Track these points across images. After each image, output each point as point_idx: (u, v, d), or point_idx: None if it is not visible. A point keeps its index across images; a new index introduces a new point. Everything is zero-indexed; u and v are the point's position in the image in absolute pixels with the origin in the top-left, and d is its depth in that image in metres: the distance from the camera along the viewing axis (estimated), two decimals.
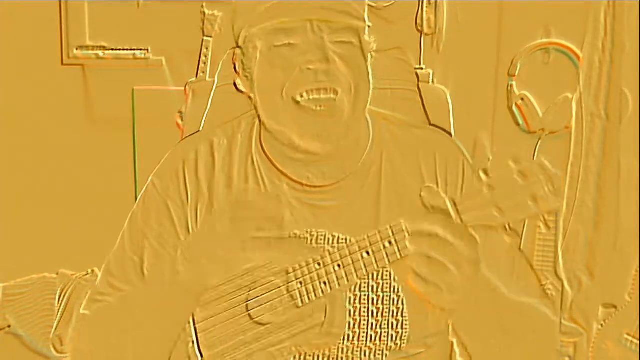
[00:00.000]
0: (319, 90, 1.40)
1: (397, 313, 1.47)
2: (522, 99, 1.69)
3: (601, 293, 1.73)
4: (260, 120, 1.48)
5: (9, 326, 1.72)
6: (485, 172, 1.35)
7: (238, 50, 1.47)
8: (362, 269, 1.40)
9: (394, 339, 1.48)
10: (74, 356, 1.55)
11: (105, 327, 1.49)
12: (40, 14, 1.66)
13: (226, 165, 1.51)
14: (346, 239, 1.47)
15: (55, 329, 1.69)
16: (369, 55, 1.46)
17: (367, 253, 1.39)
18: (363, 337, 1.47)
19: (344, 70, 1.41)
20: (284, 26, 1.40)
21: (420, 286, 1.36)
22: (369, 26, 1.47)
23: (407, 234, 1.37)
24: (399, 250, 1.38)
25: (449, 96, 1.64)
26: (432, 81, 1.68)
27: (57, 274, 1.71)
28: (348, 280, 1.40)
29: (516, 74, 1.68)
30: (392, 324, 1.47)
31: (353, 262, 1.39)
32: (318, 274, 1.41)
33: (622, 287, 1.73)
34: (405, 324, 1.48)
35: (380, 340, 1.47)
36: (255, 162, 1.50)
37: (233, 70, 1.50)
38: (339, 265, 1.40)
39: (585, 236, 1.71)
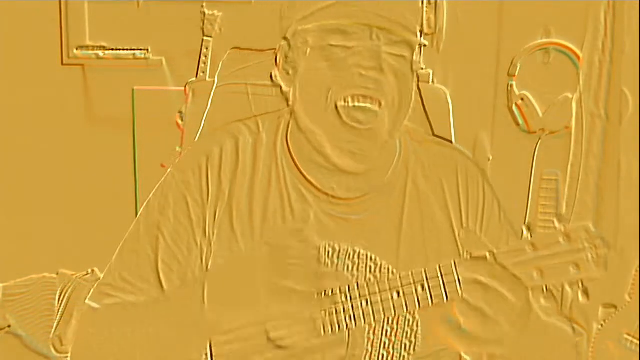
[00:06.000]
0: (365, 98, 1.36)
1: (410, 334, 1.44)
2: (522, 99, 1.69)
3: (601, 293, 1.73)
4: (291, 119, 1.44)
5: (9, 326, 1.72)
6: (529, 228, 1.32)
7: (284, 43, 1.42)
8: (390, 309, 1.34)
9: (405, 359, 1.45)
10: (76, 348, 1.50)
11: (117, 328, 1.43)
12: (40, 14, 1.66)
13: (250, 167, 1.46)
14: (367, 255, 1.44)
15: (55, 329, 1.69)
16: (415, 74, 1.44)
17: (398, 294, 1.34)
18: (375, 356, 1.43)
19: (394, 84, 1.37)
20: (343, 28, 1.37)
21: (464, 343, 1.32)
22: (425, 45, 1.45)
23: (442, 282, 1.32)
24: (430, 297, 1.33)
25: (449, 96, 1.64)
26: (432, 81, 1.68)
27: (57, 274, 1.71)
28: (374, 318, 1.35)
29: (516, 74, 1.68)
30: (405, 345, 1.44)
31: (382, 301, 1.35)
32: (344, 307, 1.35)
33: (622, 287, 1.73)
34: (418, 345, 1.44)
35: (391, 359, 1.44)
36: (280, 167, 1.46)
37: (273, 62, 1.45)
38: (366, 302, 1.35)
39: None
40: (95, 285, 1.48)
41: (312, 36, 1.38)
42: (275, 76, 1.45)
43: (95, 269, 1.69)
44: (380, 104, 1.37)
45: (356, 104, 1.37)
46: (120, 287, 1.46)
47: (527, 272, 1.31)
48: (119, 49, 1.68)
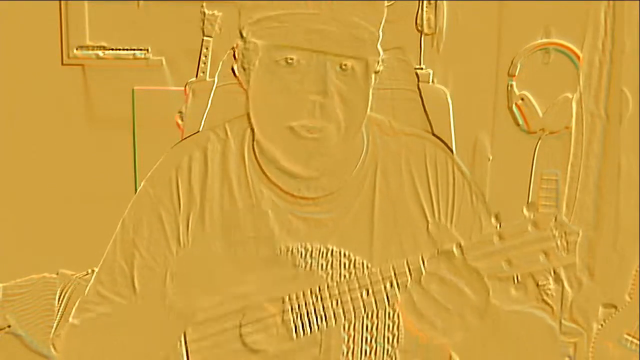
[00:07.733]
0: (312, 121, 1.36)
1: (392, 327, 1.44)
2: (522, 99, 1.69)
3: (601, 293, 1.73)
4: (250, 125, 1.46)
5: (9, 326, 1.72)
6: (497, 218, 1.31)
7: (241, 42, 1.42)
8: (360, 308, 1.34)
9: (389, 353, 1.45)
10: None
11: (94, 339, 1.44)
12: (40, 14, 1.66)
13: (218, 174, 1.47)
14: (340, 252, 1.44)
15: (55, 329, 1.70)
16: (375, 74, 1.41)
17: (367, 292, 1.34)
18: (357, 351, 1.44)
19: (340, 107, 1.36)
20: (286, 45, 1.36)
21: (414, 318, 1.30)
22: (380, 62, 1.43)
23: (409, 277, 1.32)
24: (400, 294, 1.32)
25: (449, 96, 1.64)
26: (432, 81, 1.68)
27: (57, 274, 1.71)
28: (345, 318, 1.35)
29: (516, 74, 1.68)
30: (388, 338, 1.44)
31: (352, 300, 1.34)
32: (315, 308, 1.35)
33: (622, 287, 1.73)
34: (401, 338, 1.44)
35: (375, 354, 1.44)
36: (248, 172, 1.47)
37: (232, 57, 1.46)
38: (336, 302, 1.35)
39: (585, 236, 1.71)
40: (77, 303, 1.48)
41: (261, 49, 1.38)
42: (237, 71, 1.44)
43: (95, 269, 1.69)
44: (327, 126, 1.37)
45: (304, 125, 1.36)
46: (97, 302, 1.46)
47: (495, 264, 1.30)
48: (119, 49, 1.68)
